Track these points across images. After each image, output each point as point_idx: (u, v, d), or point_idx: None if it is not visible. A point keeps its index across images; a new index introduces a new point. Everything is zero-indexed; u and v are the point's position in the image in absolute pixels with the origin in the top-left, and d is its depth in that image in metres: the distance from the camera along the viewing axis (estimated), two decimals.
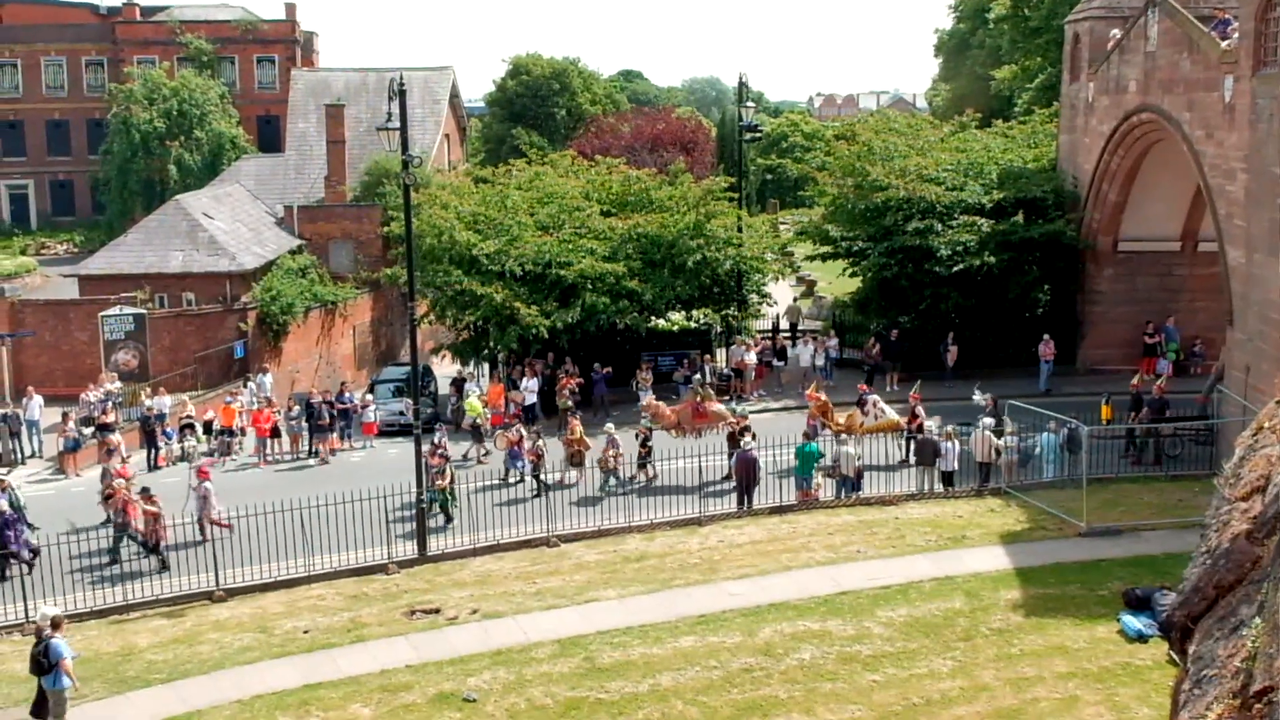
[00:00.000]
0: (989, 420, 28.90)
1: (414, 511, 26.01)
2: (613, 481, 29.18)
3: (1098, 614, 21.13)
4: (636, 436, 30.30)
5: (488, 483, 29.11)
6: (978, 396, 31.39)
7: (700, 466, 27.83)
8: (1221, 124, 29.22)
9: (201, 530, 26.36)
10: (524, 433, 30.65)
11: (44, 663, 17.94)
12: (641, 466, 29.79)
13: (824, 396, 31.67)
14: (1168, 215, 38.03)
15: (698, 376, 34.20)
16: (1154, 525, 25.23)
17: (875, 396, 31.58)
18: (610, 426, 30.83)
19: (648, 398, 33.09)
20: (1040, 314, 40.75)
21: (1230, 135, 28.72)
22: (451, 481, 27.59)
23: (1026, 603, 21.71)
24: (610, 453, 29.23)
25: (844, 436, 29.54)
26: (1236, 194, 28.42)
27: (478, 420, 33.76)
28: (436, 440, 29.11)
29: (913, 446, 29.75)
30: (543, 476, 28.73)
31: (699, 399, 31.06)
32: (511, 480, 30.13)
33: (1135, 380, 32.12)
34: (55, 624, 18.44)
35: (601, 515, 27.02)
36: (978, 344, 39.51)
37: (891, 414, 30.63)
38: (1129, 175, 37.48)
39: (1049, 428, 28.93)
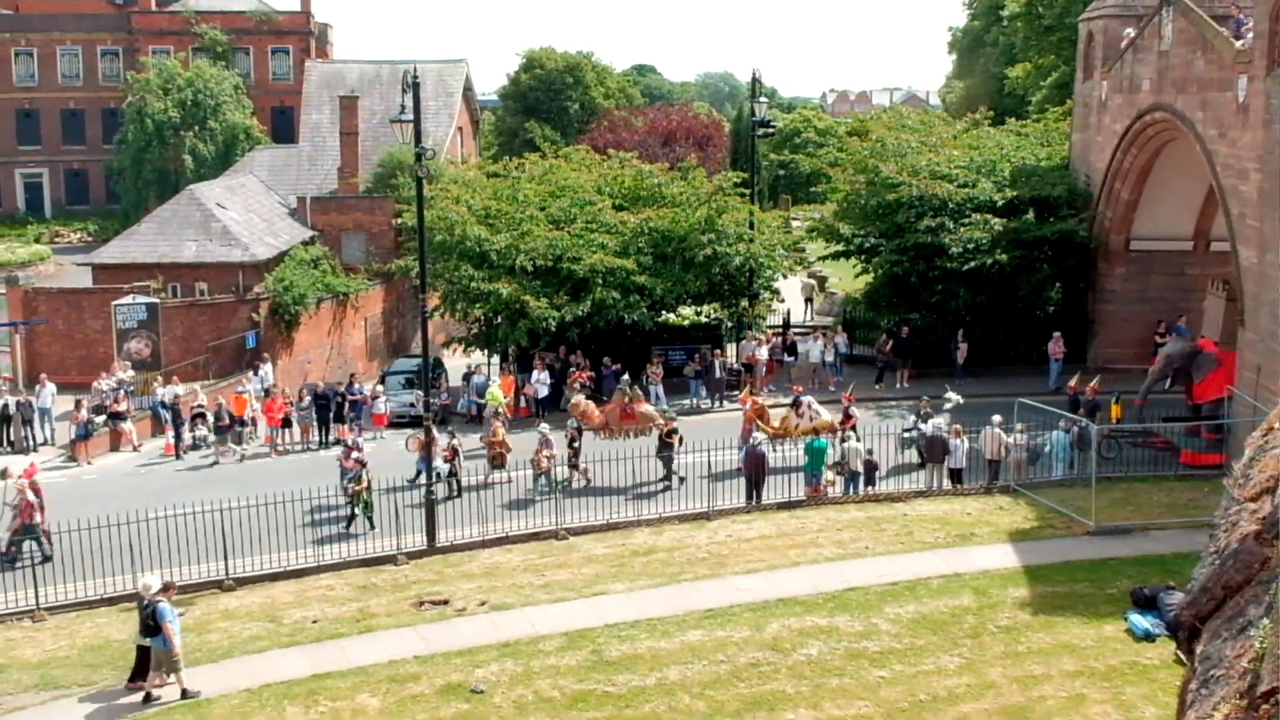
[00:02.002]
0: (939, 421, 28.94)
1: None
2: (543, 482, 28.51)
3: (1105, 613, 21.13)
4: (566, 437, 29.90)
5: (398, 484, 27.99)
6: (950, 394, 31.54)
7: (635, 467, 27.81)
8: (1235, 123, 29.14)
9: (10, 547, 25.33)
10: (436, 434, 30.14)
11: (152, 625, 19.14)
12: (573, 467, 29.25)
13: (759, 400, 31.45)
14: (1180, 214, 37.93)
15: (625, 378, 33.62)
16: (1163, 525, 25.21)
17: (809, 398, 31.43)
18: (544, 427, 30.22)
19: (576, 398, 32.50)
20: (1051, 312, 40.70)
21: (1243, 135, 28.65)
22: (368, 486, 26.78)
23: (1034, 601, 21.71)
24: (544, 453, 28.55)
25: (848, 433, 29.50)
26: (1249, 194, 28.35)
27: (499, 410, 33.75)
28: (350, 443, 28.43)
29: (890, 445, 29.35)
30: (459, 477, 28.20)
31: (627, 400, 30.56)
32: (421, 482, 28.48)
33: (1073, 382, 32.00)
34: (165, 588, 19.81)
35: (610, 509, 27.06)
36: (988, 341, 39.47)
37: (826, 415, 30.54)
38: (1142, 174, 37.39)
39: (1059, 426, 28.93)
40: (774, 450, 29.78)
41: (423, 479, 28.74)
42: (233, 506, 23.82)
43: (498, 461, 29.40)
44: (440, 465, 28.55)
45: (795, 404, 30.98)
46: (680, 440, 29.06)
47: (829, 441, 28.87)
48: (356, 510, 26.77)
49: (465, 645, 20.62)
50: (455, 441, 29.11)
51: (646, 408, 30.76)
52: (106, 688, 19.71)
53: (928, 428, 28.96)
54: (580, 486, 28.77)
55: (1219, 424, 29.40)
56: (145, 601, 19.37)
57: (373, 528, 26.42)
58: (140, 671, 19.49)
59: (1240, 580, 10.11)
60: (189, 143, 68.65)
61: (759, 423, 30.27)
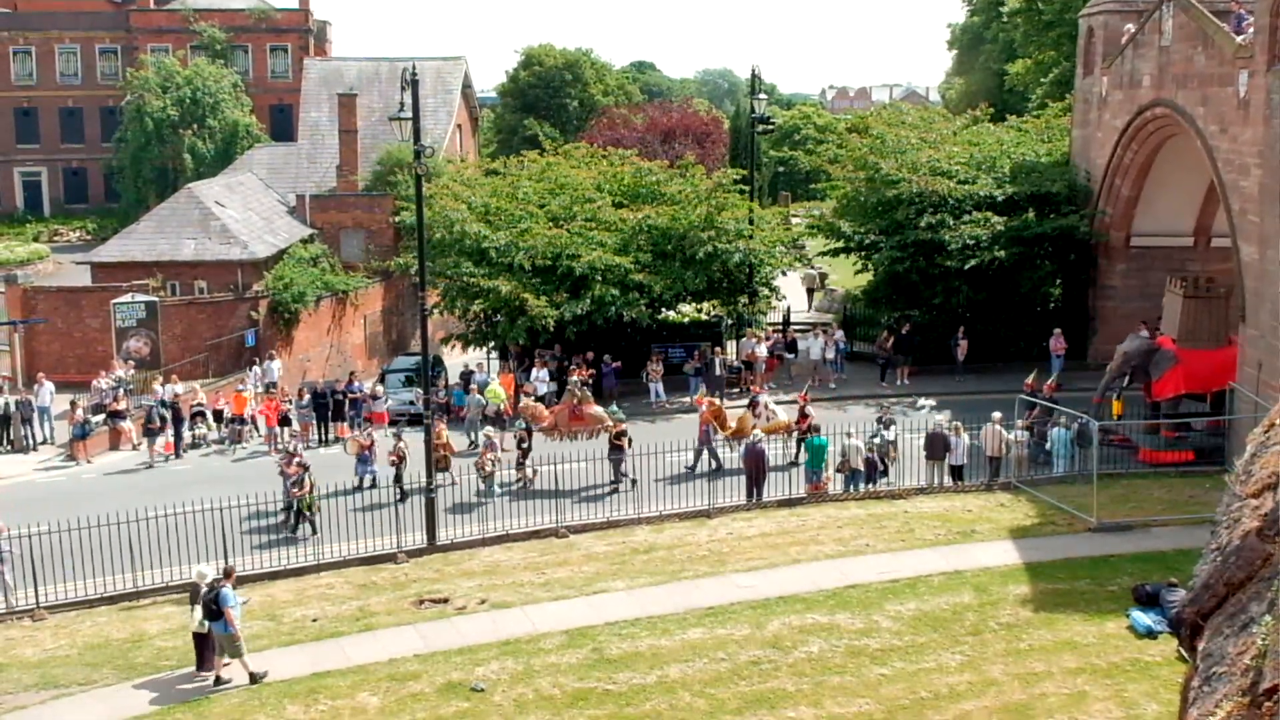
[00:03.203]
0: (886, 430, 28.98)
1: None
2: (486, 485, 28.11)
3: (1107, 610, 21.10)
4: (514, 438, 29.72)
5: (344, 488, 27.97)
6: (923, 402, 31.55)
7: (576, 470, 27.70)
8: (1236, 119, 29.09)
9: None
10: (375, 437, 29.95)
11: (214, 609, 19.43)
12: (519, 467, 29.05)
13: (716, 402, 31.29)
14: (1181, 210, 37.88)
15: (574, 379, 33.56)
16: (1165, 521, 25.19)
17: (765, 398, 31.40)
18: (489, 429, 30.10)
19: (526, 399, 32.32)
20: (1052, 308, 40.69)
21: (1244, 130, 28.60)
22: (311, 490, 26.43)
23: (1036, 598, 21.67)
24: (489, 456, 28.24)
25: (850, 434, 29.43)
26: (1250, 189, 28.31)
27: (500, 408, 33.70)
28: (292, 449, 27.96)
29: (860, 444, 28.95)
30: (405, 481, 27.87)
31: (576, 401, 30.36)
32: (365, 485, 28.82)
33: (1029, 380, 31.95)
34: (227, 573, 20.15)
35: (611, 507, 27.03)
36: (989, 338, 39.44)
37: (782, 415, 30.50)
38: (1142, 170, 37.34)
39: (1060, 422, 28.89)
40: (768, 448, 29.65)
41: (366, 481, 28.74)
42: (231, 505, 23.80)
43: (441, 464, 28.63)
44: (377, 468, 28.44)
45: (752, 404, 30.96)
46: (630, 442, 28.76)
47: (829, 439, 28.79)
48: (306, 515, 26.21)
49: (465, 643, 20.59)
50: (402, 445, 28.62)
51: (595, 409, 30.47)
52: (168, 672, 19.98)
53: (890, 434, 28.65)
54: (524, 488, 28.41)
55: (1185, 421, 29.41)
56: (208, 587, 19.66)
57: (315, 533, 25.93)
58: (201, 658, 19.87)
59: (1242, 577, 10.07)
60: (188, 141, 68.61)
61: (715, 424, 30.10)
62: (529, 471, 29.11)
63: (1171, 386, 29.95)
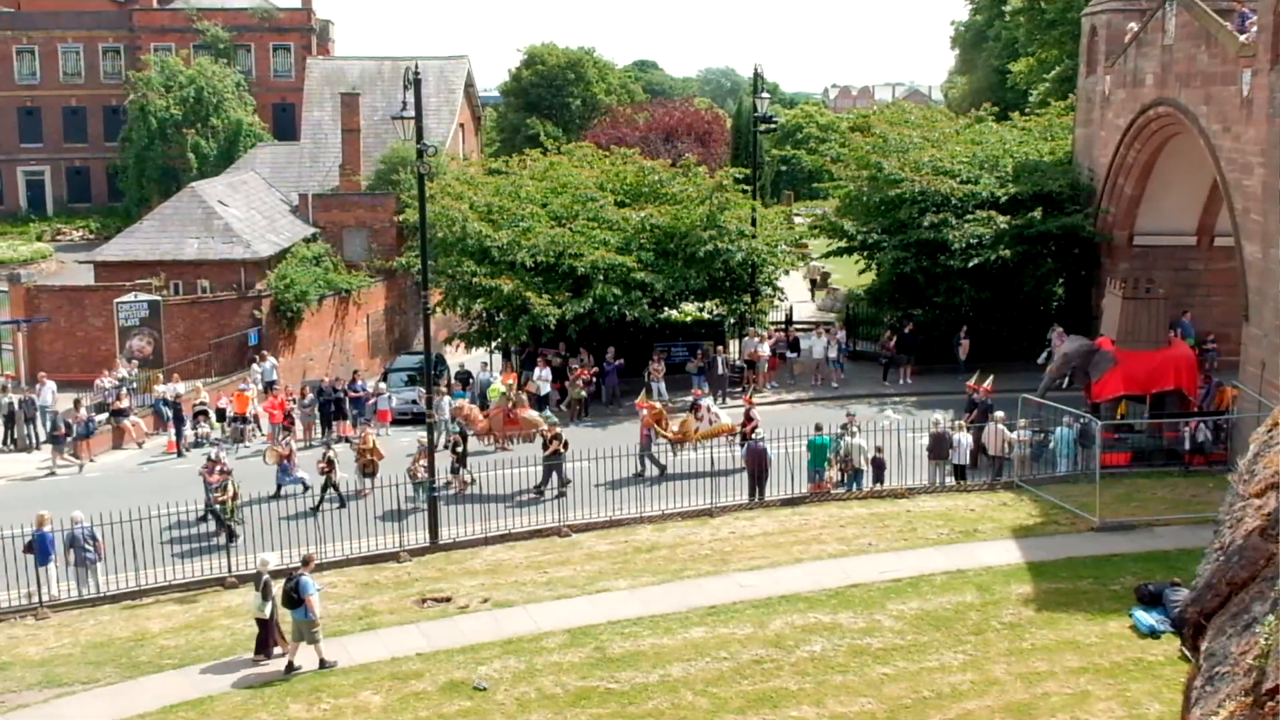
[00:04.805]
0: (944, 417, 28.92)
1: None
2: (420, 492, 27.52)
3: (1110, 609, 21.10)
4: (449, 443, 29.49)
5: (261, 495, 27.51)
6: (888, 413, 31.57)
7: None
8: (1239, 118, 29.06)
9: None
10: (293, 446, 29.64)
11: (295, 596, 19.84)
12: (455, 472, 28.68)
13: (657, 405, 31.07)
14: (1184, 209, 37.83)
15: (510, 382, 33.45)
16: (1167, 521, 25.18)
17: (708, 401, 31.30)
18: (422, 435, 29.70)
19: (459, 401, 31.88)
20: (1055, 307, 40.64)
21: (1248, 129, 28.57)
22: (234, 497, 25.85)
23: (1038, 597, 21.67)
24: (420, 462, 27.56)
25: (853, 433, 29.39)
26: (1254, 188, 28.28)
27: (512, 401, 33.60)
28: (214, 456, 27.39)
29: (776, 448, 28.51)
30: (337, 486, 27.63)
31: (511, 405, 30.14)
32: (284, 494, 28.19)
33: (971, 381, 31.87)
34: (305, 561, 20.66)
35: (613, 505, 27.03)
36: (991, 337, 39.39)
37: (725, 419, 30.41)
38: (1145, 169, 37.30)
39: (1063, 422, 28.87)
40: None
41: (288, 489, 28.30)
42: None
43: (369, 470, 28.47)
44: (304, 475, 28.25)
45: (694, 407, 30.91)
46: (566, 446, 28.54)
47: (830, 438, 28.76)
48: (231, 523, 25.61)
49: (468, 642, 20.60)
50: (331, 453, 28.27)
51: (530, 414, 30.31)
52: (232, 658, 20.19)
53: (855, 442, 28.43)
54: (459, 494, 27.88)
55: (1222, 419, 29.37)
56: (285, 573, 20.11)
57: (236, 539, 25.37)
58: (263, 644, 20.19)
59: (1245, 576, 10.08)
60: (191, 140, 68.66)
61: (657, 428, 29.93)
62: (466, 476, 28.55)
63: (1111, 388, 29.96)
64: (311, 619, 19.81)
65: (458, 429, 29.86)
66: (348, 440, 34.40)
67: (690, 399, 32.25)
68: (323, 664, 19.88)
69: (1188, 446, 29.16)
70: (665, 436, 29.92)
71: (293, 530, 24.88)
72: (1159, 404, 30.18)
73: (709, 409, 30.55)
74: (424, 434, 29.31)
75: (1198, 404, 31.00)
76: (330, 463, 27.87)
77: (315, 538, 24.29)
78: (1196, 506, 25.24)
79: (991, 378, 31.59)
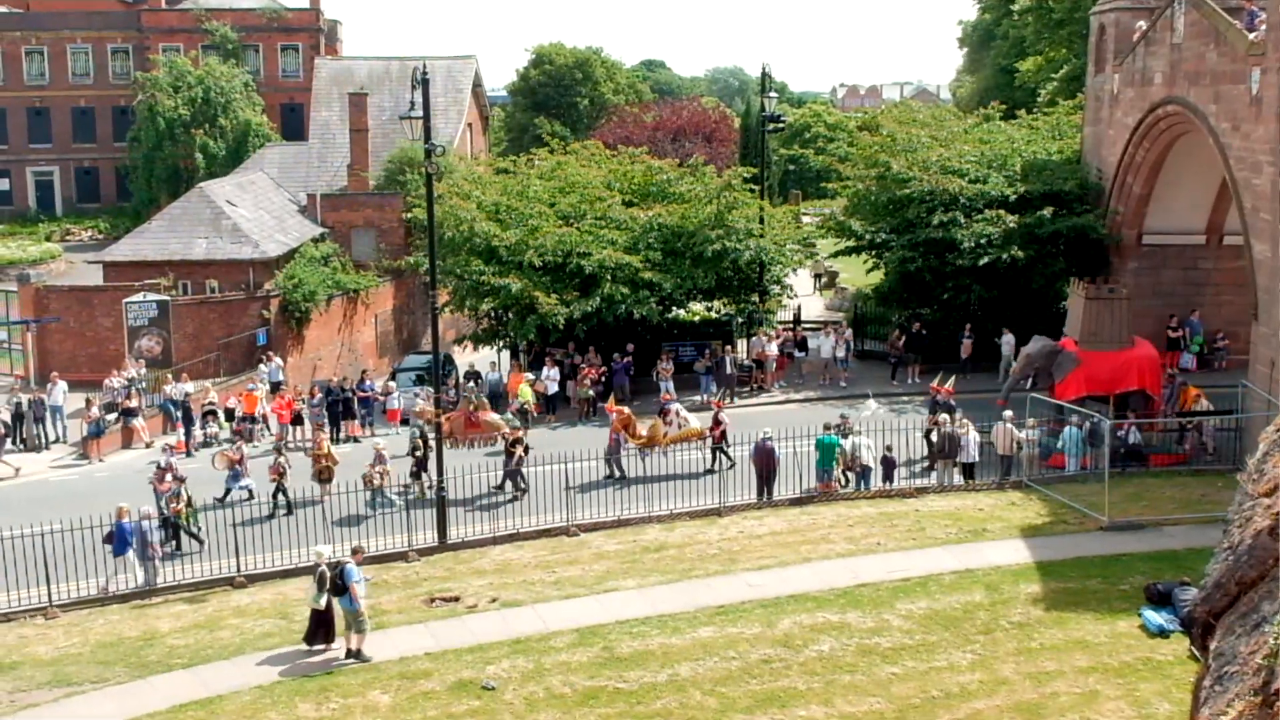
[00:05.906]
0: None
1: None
2: (380, 499, 27.49)
3: (1119, 609, 21.06)
4: (409, 446, 29.33)
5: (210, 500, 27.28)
6: (871, 403, 31.45)
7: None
8: (1248, 116, 29.00)
9: None
10: (245, 451, 29.53)
11: (340, 585, 20.17)
12: (415, 476, 28.41)
13: (626, 409, 30.93)
14: (1193, 208, 37.76)
15: (471, 385, 33.12)
16: (1176, 520, 25.13)
17: (677, 405, 31.20)
18: (378, 441, 29.86)
19: (420, 404, 31.68)
20: (1063, 307, 40.51)
21: (1257, 128, 28.50)
22: (189, 503, 25.79)
23: (1047, 597, 21.64)
24: (376, 469, 27.76)
25: (860, 432, 29.35)
26: (1263, 187, 28.21)
27: (525, 405, 33.66)
28: (164, 464, 27.25)
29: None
30: (288, 494, 27.52)
31: (472, 408, 29.94)
32: (232, 500, 27.77)
33: (935, 383, 31.77)
34: (354, 551, 21.31)
35: (621, 505, 27.04)
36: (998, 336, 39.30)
37: (694, 423, 30.35)
38: (1154, 168, 37.23)
39: (1072, 421, 28.83)
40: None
41: (235, 495, 28.06)
42: (243, 502, 23.84)
43: (324, 475, 28.24)
44: (251, 482, 28.22)
45: (663, 412, 30.87)
46: (527, 450, 28.51)
47: (838, 438, 28.73)
48: (190, 530, 25.62)
49: (476, 642, 20.63)
50: (282, 459, 28.10)
51: (492, 416, 30.07)
52: (283, 649, 20.52)
53: (848, 444, 28.30)
54: (419, 498, 27.54)
55: (1235, 417, 29.30)
56: (334, 563, 20.47)
57: (202, 544, 25.39)
58: (313, 634, 20.57)
59: (1254, 576, 10.06)
60: (199, 140, 68.72)
61: (625, 433, 29.82)
62: (425, 481, 28.19)
63: (1074, 388, 29.92)
64: (356, 608, 20.08)
65: (418, 433, 29.39)
66: (356, 440, 34.53)
67: (660, 404, 32.09)
68: (358, 655, 20.11)
69: (1121, 449, 28.79)
70: (633, 441, 29.76)
71: (295, 530, 24.94)
72: (1122, 404, 30.15)
73: (678, 413, 30.49)
74: (380, 441, 29.39)
75: (1162, 404, 30.94)
76: (282, 470, 27.76)
77: (325, 537, 24.32)
78: (1205, 506, 25.18)
79: (953, 379, 31.62)
